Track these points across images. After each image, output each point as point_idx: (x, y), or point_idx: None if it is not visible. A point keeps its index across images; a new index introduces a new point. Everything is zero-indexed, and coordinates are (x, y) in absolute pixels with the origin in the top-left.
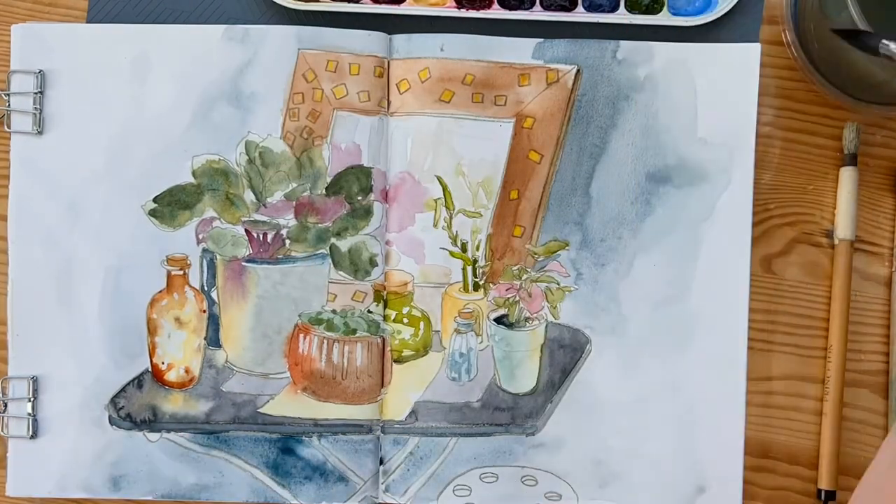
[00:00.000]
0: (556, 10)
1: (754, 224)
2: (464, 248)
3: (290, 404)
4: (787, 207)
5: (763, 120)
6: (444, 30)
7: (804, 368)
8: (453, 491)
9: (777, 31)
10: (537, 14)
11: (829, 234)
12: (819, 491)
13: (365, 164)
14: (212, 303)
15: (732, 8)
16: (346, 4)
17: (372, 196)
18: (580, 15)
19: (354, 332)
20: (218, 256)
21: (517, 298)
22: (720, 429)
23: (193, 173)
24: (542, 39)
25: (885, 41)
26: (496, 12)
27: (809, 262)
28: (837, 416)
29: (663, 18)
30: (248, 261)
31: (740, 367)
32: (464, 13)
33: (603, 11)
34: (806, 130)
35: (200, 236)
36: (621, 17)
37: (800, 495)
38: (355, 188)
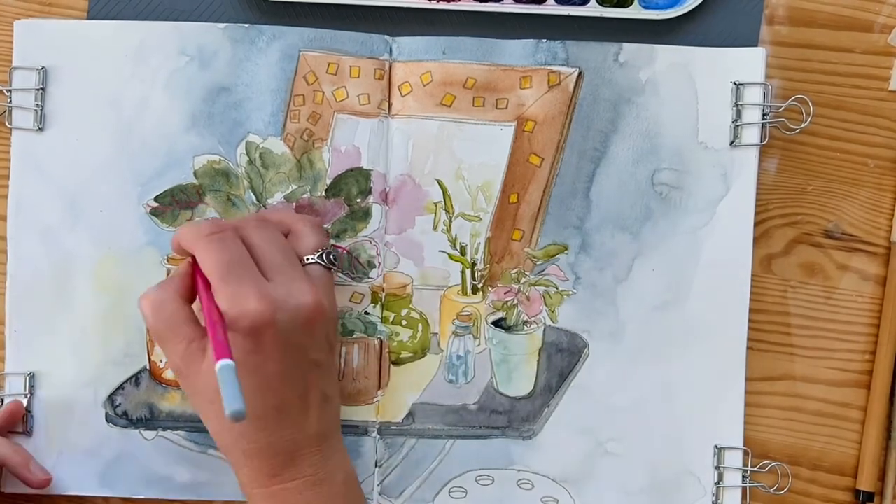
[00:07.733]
0: (526, 2)
1: (754, 224)
2: (463, 252)
3: None
4: (787, 207)
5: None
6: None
7: (804, 368)
8: (449, 493)
9: (777, 30)
10: (507, 7)
11: (830, 234)
12: (858, 492)
13: (364, 167)
14: None
15: (730, 5)
16: None
17: (371, 198)
18: (550, 7)
19: (352, 333)
20: None
21: (515, 302)
22: (720, 431)
23: (195, 173)
24: (543, 41)
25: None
26: (464, 4)
27: (809, 262)
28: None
29: (633, 12)
30: None
31: (740, 370)
32: (434, 5)
33: (573, 5)
34: (808, 131)
35: None
36: (591, 10)
37: (800, 496)
38: (354, 190)
